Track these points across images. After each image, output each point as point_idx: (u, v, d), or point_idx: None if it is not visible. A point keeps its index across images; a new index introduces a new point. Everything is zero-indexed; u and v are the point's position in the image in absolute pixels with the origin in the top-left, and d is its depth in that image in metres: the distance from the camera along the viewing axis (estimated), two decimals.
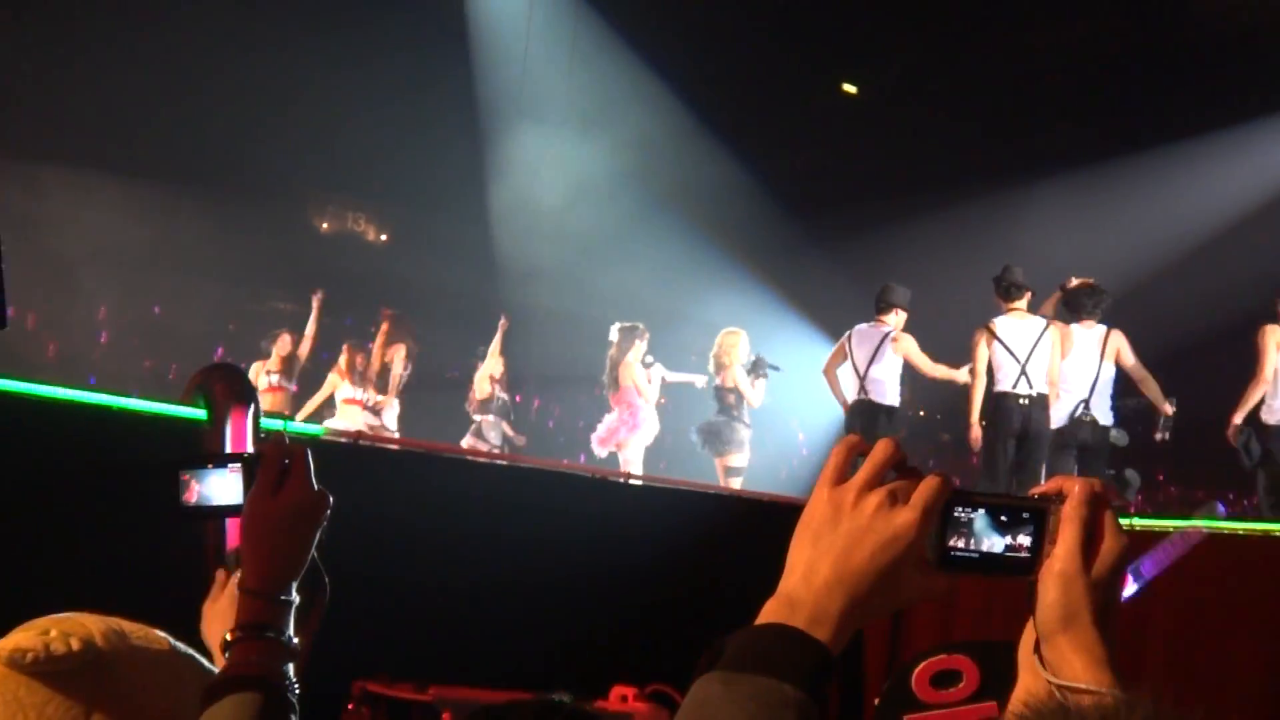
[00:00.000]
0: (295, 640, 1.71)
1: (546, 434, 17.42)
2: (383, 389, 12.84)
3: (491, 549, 5.94)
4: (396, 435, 12.37)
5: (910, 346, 10.73)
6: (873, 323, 10.84)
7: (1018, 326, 9.90)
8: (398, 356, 13.01)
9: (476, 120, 17.84)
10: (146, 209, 17.08)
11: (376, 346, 13.11)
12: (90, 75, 15.97)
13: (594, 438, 11.91)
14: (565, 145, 17.13)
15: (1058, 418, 9.90)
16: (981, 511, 1.33)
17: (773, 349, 16.69)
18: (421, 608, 5.63)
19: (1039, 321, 9.94)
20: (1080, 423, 9.84)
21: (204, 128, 17.21)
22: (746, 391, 11.55)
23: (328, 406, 12.79)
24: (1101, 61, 16.27)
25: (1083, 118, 16.45)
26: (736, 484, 11.27)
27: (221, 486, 1.81)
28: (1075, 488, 1.33)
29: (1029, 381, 9.75)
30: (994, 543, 1.33)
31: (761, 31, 17.47)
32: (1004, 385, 9.83)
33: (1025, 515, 1.33)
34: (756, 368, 11.68)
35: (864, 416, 10.66)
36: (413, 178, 18.41)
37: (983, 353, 9.96)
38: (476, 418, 13.12)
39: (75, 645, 1.52)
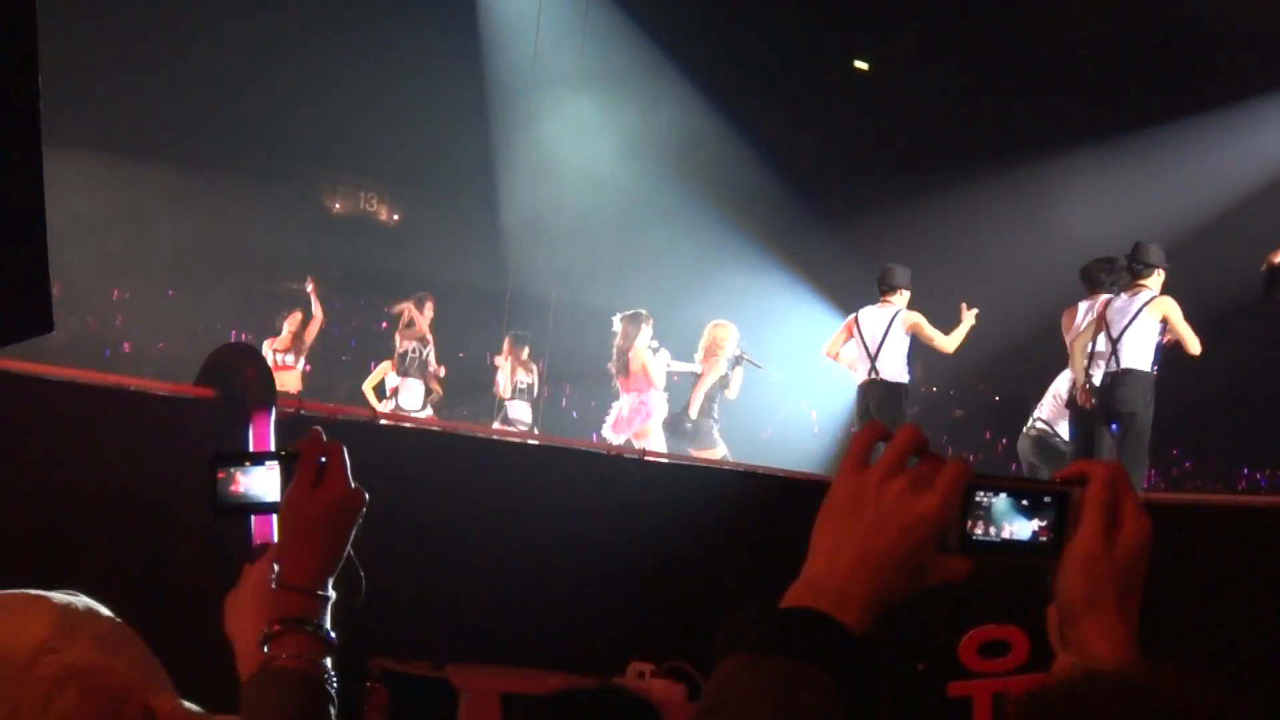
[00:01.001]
0: (333, 635, 1.72)
1: (560, 415, 17.43)
2: (402, 371, 12.97)
3: (509, 527, 5.94)
4: (416, 415, 12.44)
5: (920, 321, 10.76)
6: (879, 303, 10.87)
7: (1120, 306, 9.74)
8: (414, 339, 13.12)
9: (486, 99, 17.85)
10: (159, 191, 17.12)
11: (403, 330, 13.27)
12: (102, 60, 15.99)
13: (607, 424, 11.91)
14: (577, 124, 17.09)
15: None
16: (1003, 495, 1.33)
17: (784, 327, 16.75)
18: (439, 586, 5.64)
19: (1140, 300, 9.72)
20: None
21: (216, 109, 17.26)
22: (734, 384, 11.59)
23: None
24: (1116, 34, 16.21)
25: (1099, 91, 16.39)
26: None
27: (259, 483, 1.81)
28: (1097, 471, 1.33)
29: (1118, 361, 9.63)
30: (1016, 526, 1.33)
31: (773, 8, 17.44)
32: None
33: (1047, 499, 1.33)
34: (739, 362, 11.70)
35: (877, 395, 10.69)
36: (425, 158, 18.42)
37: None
38: (506, 400, 13.14)
39: None
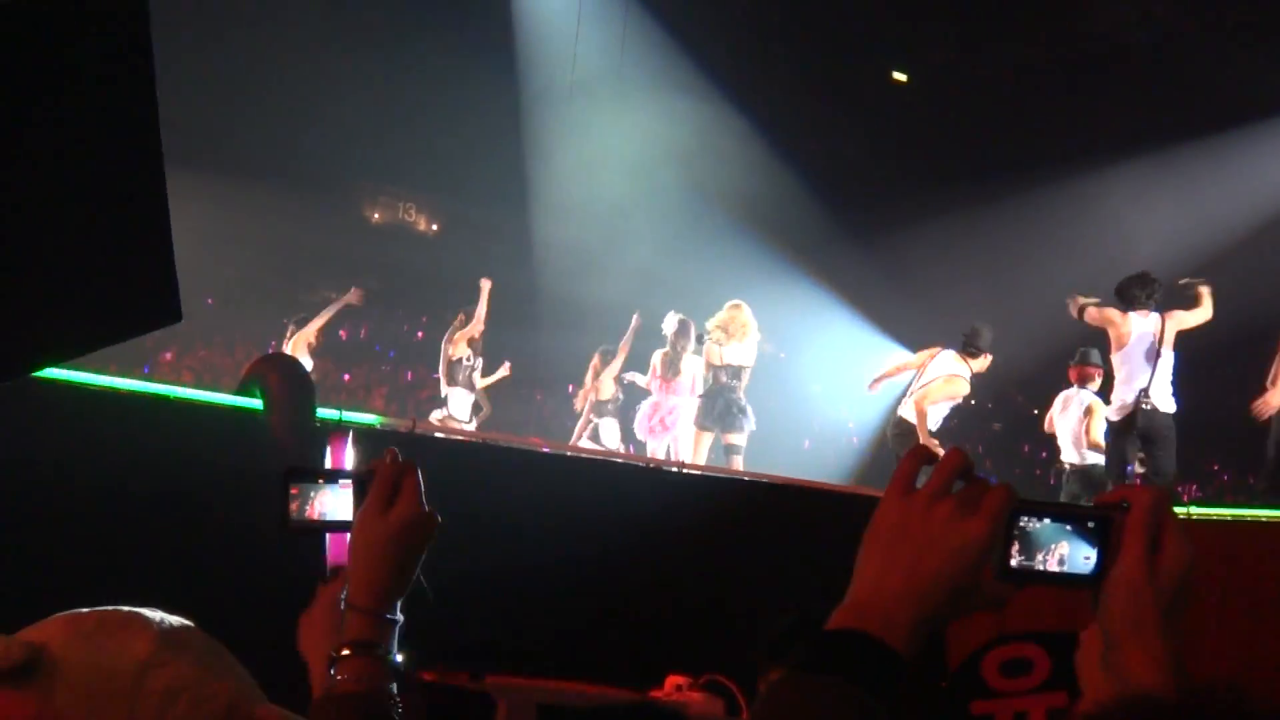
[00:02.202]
0: (399, 658, 1.72)
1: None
2: (451, 381, 12.93)
3: (549, 539, 5.95)
4: (465, 426, 12.44)
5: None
6: (961, 356, 10.87)
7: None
8: (464, 347, 13.05)
9: (521, 111, 17.90)
10: (200, 200, 17.21)
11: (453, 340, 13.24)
12: None
13: (645, 425, 11.91)
14: (613, 135, 17.12)
15: (1118, 406, 9.89)
16: (1047, 520, 1.33)
17: (821, 339, 16.72)
18: (477, 598, 5.64)
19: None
20: (1140, 410, 9.79)
21: (257, 121, 17.36)
22: (748, 365, 11.60)
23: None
24: (1158, 45, 16.12)
25: (1141, 101, 16.29)
26: (738, 461, 11.28)
27: (332, 502, 1.81)
28: (1140, 497, 1.33)
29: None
30: (1060, 551, 1.33)
31: (811, 19, 17.42)
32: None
33: (1090, 524, 1.33)
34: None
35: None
36: (463, 170, 18.48)
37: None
38: (595, 419, 12.99)
39: (15, 650, 1.48)
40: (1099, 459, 10.17)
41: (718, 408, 11.47)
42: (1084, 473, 10.34)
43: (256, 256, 18.03)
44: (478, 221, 19.67)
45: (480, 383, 13.04)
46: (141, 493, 4.84)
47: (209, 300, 17.95)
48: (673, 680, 5.33)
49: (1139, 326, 9.82)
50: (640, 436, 12.03)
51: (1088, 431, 10.30)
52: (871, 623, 1.26)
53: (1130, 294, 9.98)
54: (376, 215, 22.52)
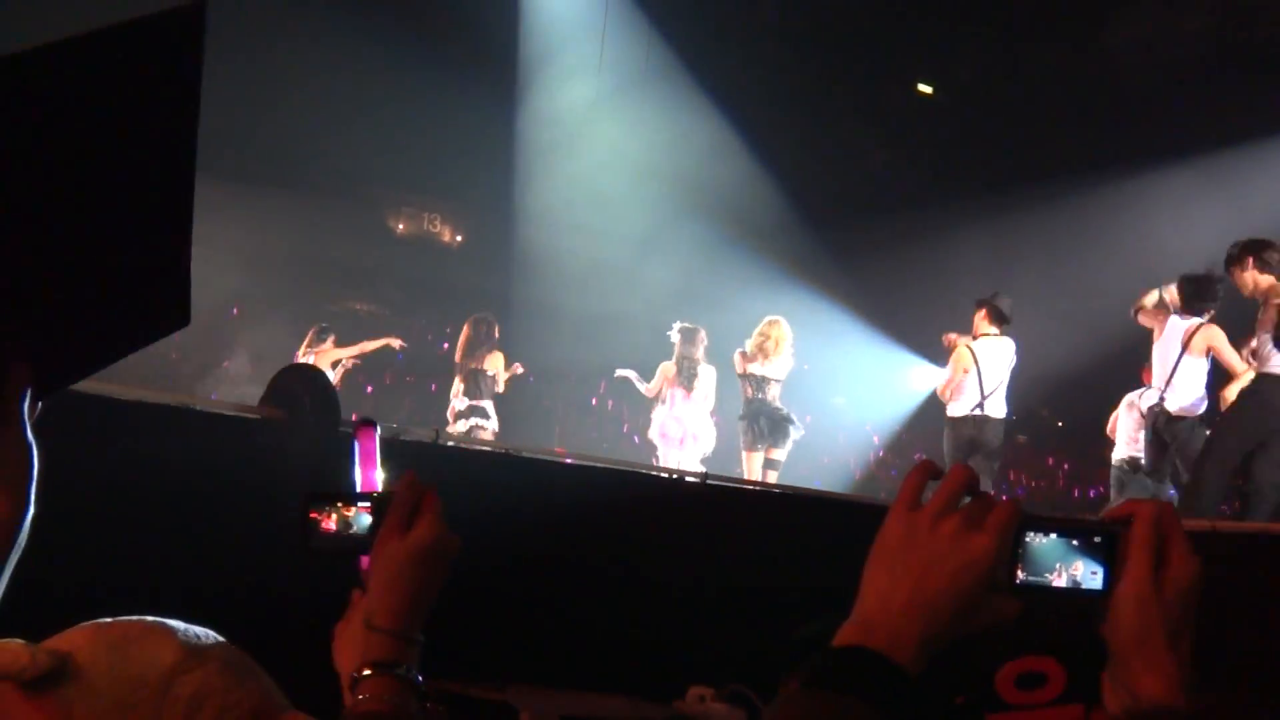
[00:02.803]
0: (421, 679, 1.73)
1: (621, 439, 17.44)
2: (475, 394, 12.97)
3: (570, 548, 5.96)
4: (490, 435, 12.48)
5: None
6: (993, 335, 10.77)
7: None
8: (493, 361, 13.08)
9: (531, 123, 17.95)
10: (224, 211, 17.27)
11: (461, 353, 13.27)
12: None
13: (664, 435, 11.92)
14: (632, 151, 17.14)
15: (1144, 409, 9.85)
16: (1054, 535, 1.34)
17: (843, 352, 16.71)
18: (501, 607, 5.66)
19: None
20: (1156, 414, 9.76)
21: (281, 131, 17.40)
22: (778, 379, 11.57)
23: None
24: (1179, 57, 16.06)
25: (1161, 112, 16.22)
26: (773, 477, 11.28)
27: (352, 524, 1.82)
28: (1144, 510, 1.34)
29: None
30: (1066, 567, 1.34)
31: (837, 29, 17.42)
32: None
33: (1097, 539, 1.34)
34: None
35: (979, 429, 10.68)
36: (488, 181, 18.52)
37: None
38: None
39: (42, 658, 1.51)
40: None
41: (762, 424, 11.50)
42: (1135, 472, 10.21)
43: (280, 267, 18.08)
44: (502, 232, 19.69)
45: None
46: (168, 504, 4.87)
47: (234, 310, 18.03)
48: (695, 691, 5.34)
49: (1174, 327, 9.74)
50: (658, 444, 12.04)
51: None
52: (878, 639, 1.26)
53: (1182, 292, 9.91)
54: (401, 226, 22.57)
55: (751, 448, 11.56)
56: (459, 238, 22.66)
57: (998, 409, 10.74)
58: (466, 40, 17.12)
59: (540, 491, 6.33)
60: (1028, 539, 1.33)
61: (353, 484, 1.86)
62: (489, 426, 12.82)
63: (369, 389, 16.39)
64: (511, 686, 5.24)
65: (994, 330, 10.73)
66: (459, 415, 12.89)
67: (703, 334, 11.94)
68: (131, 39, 1.45)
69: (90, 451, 4.86)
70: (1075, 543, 1.34)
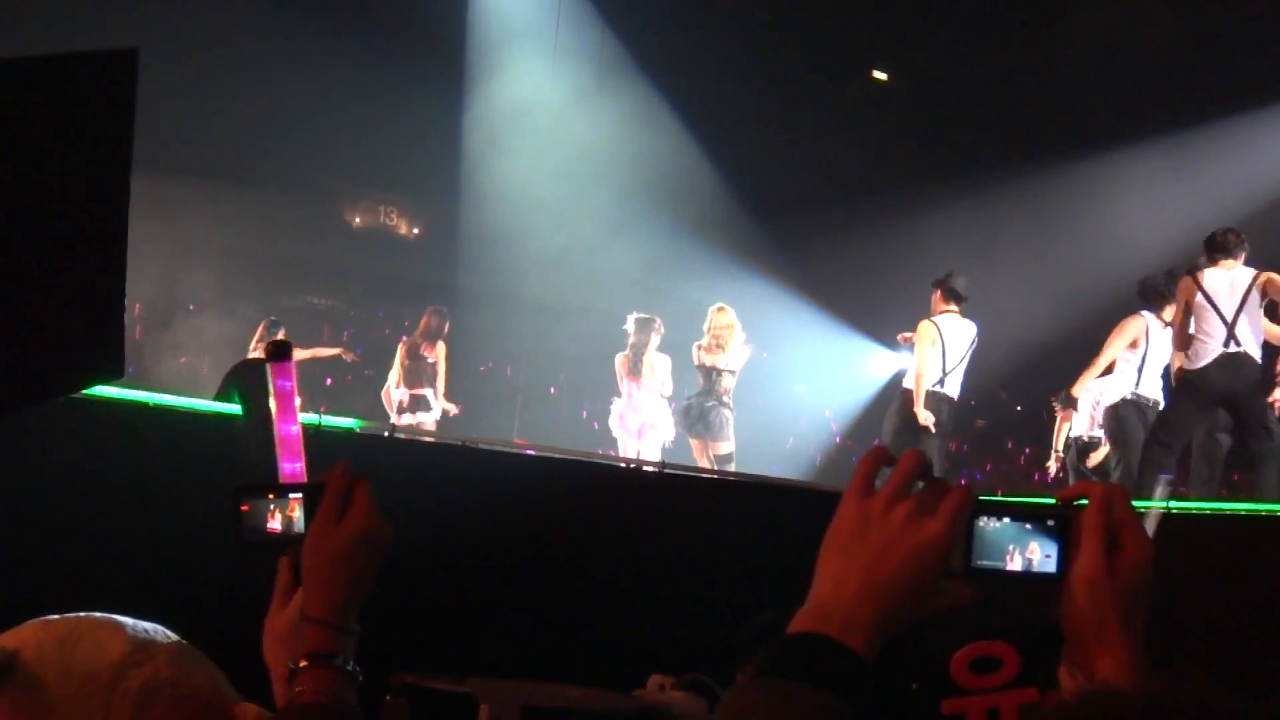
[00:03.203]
0: (358, 669, 1.72)
1: (580, 426, 17.43)
2: (415, 382, 13.01)
3: (530, 540, 5.96)
4: (431, 428, 12.48)
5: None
6: (953, 313, 10.77)
7: (1221, 277, 9.24)
8: (438, 352, 13.15)
9: (486, 114, 17.94)
10: (180, 206, 17.17)
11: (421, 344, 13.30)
12: None
13: (623, 426, 11.92)
14: (590, 141, 17.12)
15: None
16: (1006, 520, 1.34)
17: (802, 339, 16.77)
18: (459, 600, 5.65)
19: (1246, 272, 9.21)
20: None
21: (234, 125, 17.32)
22: (732, 370, 11.58)
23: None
24: (1136, 44, 16.15)
25: (1118, 101, 16.31)
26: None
27: (283, 516, 1.80)
28: (1095, 492, 1.34)
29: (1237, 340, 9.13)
30: (1020, 551, 1.34)
31: (792, 18, 17.45)
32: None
33: (1050, 522, 1.34)
34: None
35: (937, 407, 10.65)
36: (444, 173, 18.48)
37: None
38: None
39: None
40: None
41: (693, 414, 11.51)
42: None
43: (238, 262, 17.99)
44: (459, 224, 19.65)
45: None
46: (120, 499, 4.84)
47: (190, 305, 17.94)
48: (655, 680, 5.34)
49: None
50: (618, 436, 12.05)
51: None
52: (832, 626, 1.26)
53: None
54: (358, 220, 22.50)
55: (689, 433, 11.62)
56: (415, 230, 22.61)
57: (954, 388, 10.74)
58: (419, 33, 17.06)
59: (498, 483, 6.33)
60: (980, 524, 1.33)
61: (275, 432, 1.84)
62: (430, 418, 12.89)
63: (328, 381, 16.32)
64: (472, 678, 5.23)
65: (953, 308, 10.73)
66: (402, 408, 12.93)
67: (658, 323, 11.94)
68: (63, 74, 1.43)
69: (47, 446, 4.82)
70: (1028, 526, 1.34)
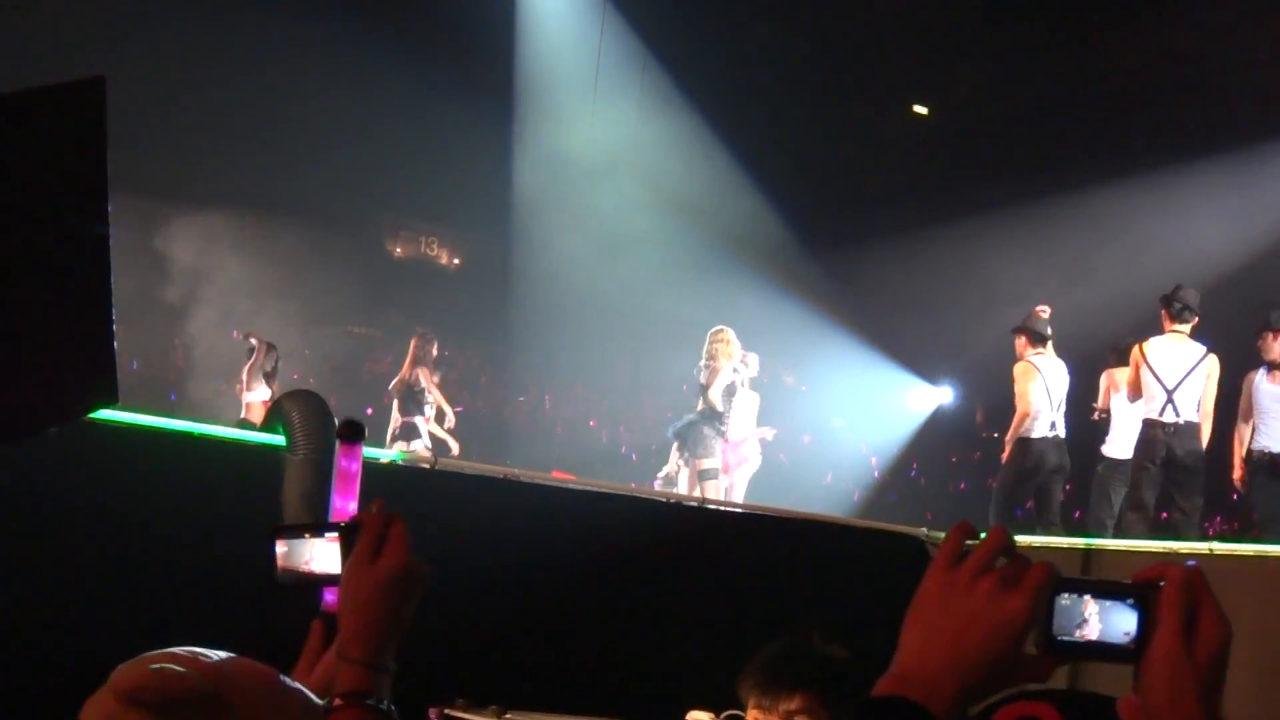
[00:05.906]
0: (394, 709, 1.73)
1: (619, 461, 17.42)
2: (410, 411, 13.10)
3: (569, 573, 5.95)
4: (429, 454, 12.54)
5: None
6: (1046, 353, 10.67)
7: (1173, 350, 9.58)
8: (426, 378, 13.23)
9: (527, 146, 18.02)
10: (223, 236, 17.33)
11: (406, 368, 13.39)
12: (163, 106, 16.17)
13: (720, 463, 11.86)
14: (635, 175, 17.18)
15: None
16: (1087, 596, 1.37)
17: (842, 373, 16.72)
18: (499, 632, 5.65)
19: (1197, 348, 9.59)
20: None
21: (280, 157, 17.46)
22: (717, 398, 11.56)
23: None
24: (1171, 75, 16.12)
25: (1152, 132, 16.27)
26: (710, 488, 11.26)
27: (320, 555, 1.82)
28: (1174, 574, 1.36)
29: (1175, 409, 9.48)
30: (1099, 627, 1.37)
31: (833, 52, 17.49)
32: (1150, 413, 9.62)
33: (1129, 600, 1.37)
34: None
35: (1056, 452, 10.55)
36: (486, 204, 18.58)
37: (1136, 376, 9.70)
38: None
39: (190, 680, 1.54)
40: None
41: (680, 435, 11.62)
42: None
43: (281, 293, 18.11)
44: (499, 255, 19.75)
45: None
46: (164, 531, 4.86)
47: (234, 334, 18.07)
48: (694, 715, 5.33)
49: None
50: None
51: None
52: (915, 691, 1.30)
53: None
54: (399, 249, 22.63)
55: (680, 456, 11.71)
56: (456, 261, 22.72)
57: (1062, 429, 10.61)
58: (466, 66, 17.18)
59: (538, 516, 6.33)
60: (1062, 599, 1.36)
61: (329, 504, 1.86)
62: (420, 445, 12.93)
63: (369, 410, 16.36)
64: (510, 712, 5.24)
65: (1041, 350, 10.59)
66: (395, 437, 13.02)
67: (749, 358, 11.99)
68: (31, 108, 1.46)
69: (87, 476, 4.85)
70: (1108, 603, 1.37)
